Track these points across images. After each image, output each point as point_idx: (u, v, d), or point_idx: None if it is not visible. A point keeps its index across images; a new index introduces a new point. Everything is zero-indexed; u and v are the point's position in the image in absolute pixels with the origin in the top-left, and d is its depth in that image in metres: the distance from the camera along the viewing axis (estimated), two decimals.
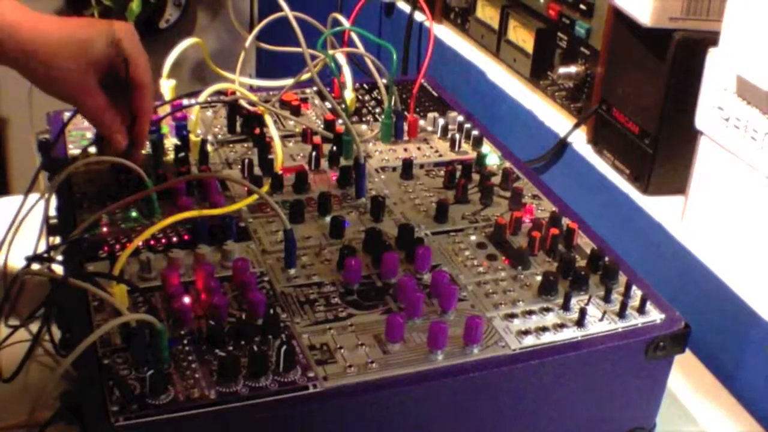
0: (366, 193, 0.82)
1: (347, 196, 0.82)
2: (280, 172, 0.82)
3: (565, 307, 0.69)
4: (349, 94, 0.95)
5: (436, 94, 1.04)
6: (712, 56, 0.81)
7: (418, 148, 0.92)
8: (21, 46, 0.72)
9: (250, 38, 1.00)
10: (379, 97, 1.00)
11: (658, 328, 0.69)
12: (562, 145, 1.04)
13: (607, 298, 0.70)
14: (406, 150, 0.92)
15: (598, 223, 0.80)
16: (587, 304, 0.70)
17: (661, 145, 0.92)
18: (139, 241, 0.65)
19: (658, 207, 0.92)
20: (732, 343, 0.81)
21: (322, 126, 0.93)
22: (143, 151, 0.80)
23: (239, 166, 0.84)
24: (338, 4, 1.41)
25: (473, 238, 0.78)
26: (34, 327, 0.64)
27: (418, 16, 1.23)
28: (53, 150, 0.84)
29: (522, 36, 1.16)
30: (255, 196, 0.74)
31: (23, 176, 1.35)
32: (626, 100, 0.96)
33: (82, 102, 0.76)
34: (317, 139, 0.89)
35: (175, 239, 0.72)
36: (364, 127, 0.95)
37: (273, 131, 0.87)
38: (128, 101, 0.78)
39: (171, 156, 0.85)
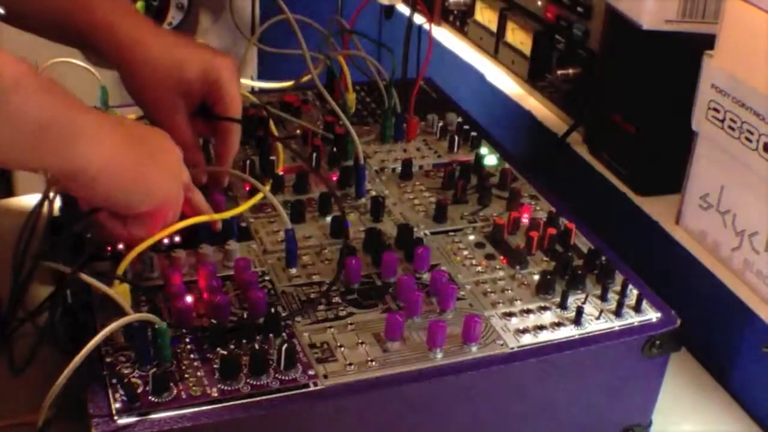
0: (366, 194, 0.83)
1: (347, 197, 0.83)
2: (281, 173, 0.83)
3: (563, 305, 0.70)
4: (349, 96, 0.96)
5: (435, 96, 1.05)
6: (708, 58, 0.81)
7: (418, 149, 0.93)
8: (122, 58, 0.72)
9: (252, 40, 1.01)
10: (379, 99, 1.01)
11: (655, 326, 0.69)
12: (560, 146, 1.05)
13: (603, 297, 0.71)
14: (405, 151, 0.92)
15: (595, 223, 0.81)
16: (584, 302, 0.70)
17: (657, 146, 0.92)
18: (145, 246, 0.66)
19: (655, 207, 0.92)
20: (728, 342, 0.82)
21: (322, 127, 0.94)
22: None
23: (241, 167, 0.85)
24: (339, 7, 1.42)
25: (472, 237, 0.78)
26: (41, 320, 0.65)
27: (418, 19, 1.23)
28: None
29: (520, 38, 1.17)
30: (260, 196, 0.75)
31: (28, 177, 1.36)
32: (623, 102, 0.97)
33: (168, 131, 0.71)
34: (318, 140, 0.90)
35: (177, 239, 0.73)
36: (364, 128, 0.96)
37: (274, 132, 0.87)
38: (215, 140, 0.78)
39: None
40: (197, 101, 0.76)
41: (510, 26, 1.19)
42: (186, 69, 0.73)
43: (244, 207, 0.75)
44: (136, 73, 0.72)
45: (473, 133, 0.94)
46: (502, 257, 0.76)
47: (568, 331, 0.68)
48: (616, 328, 0.69)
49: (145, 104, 0.75)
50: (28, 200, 0.75)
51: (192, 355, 0.62)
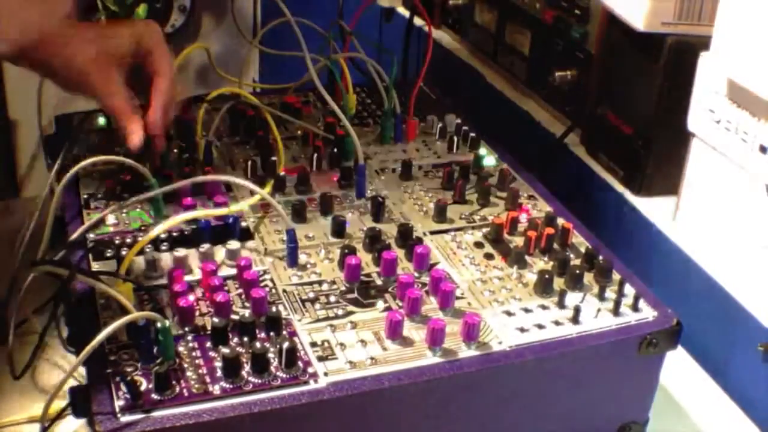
0: (366, 194, 0.84)
1: (348, 197, 0.84)
2: (283, 173, 0.84)
3: (561, 304, 0.71)
4: (349, 98, 0.97)
5: (434, 97, 1.06)
6: (704, 60, 0.82)
7: (417, 150, 0.94)
8: (45, 46, 0.74)
9: (254, 43, 1.02)
10: (379, 100, 1.02)
11: (651, 325, 0.70)
12: (558, 147, 1.06)
13: (601, 296, 0.72)
14: (405, 151, 0.93)
15: (592, 223, 0.82)
16: (582, 301, 0.71)
17: (654, 147, 0.93)
18: (145, 242, 0.67)
19: (652, 207, 0.93)
20: (723, 340, 0.82)
21: (323, 128, 0.94)
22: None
23: (242, 167, 0.86)
24: (339, 9, 1.42)
25: (471, 237, 0.79)
26: (44, 320, 0.66)
27: (418, 21, 1.24)
28: (60, 150, 0.85)
29: (519, 40, 1.17)
30: (258, 197, 0.76)
31: (32, 177, 1.36)
32: (620, 103, 0.97)
33: (102, 96, 0.77)
34: (318, 141, 0.91)
35: (180, 239, 0.74)
36: (364, 129, 0.97)
37: (275, 133, 0.88)
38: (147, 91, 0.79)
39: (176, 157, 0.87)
40: (131, 63, 0.79)
41: (509, 28, 1.20)
42: (113, 37, 0.77)
43: (243, 205, 0.76)
44: (66, 55, 0.75)
45: (472, 134, 0.94)
46: (500, 257, 0.76)
47: (566, 330, 0.68)
48: (614, 327, 0.69)
49: (87, 84, 0.77)
50: (34, 201, 0.76)
51: (194, 353, 0.63)
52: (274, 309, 0.66)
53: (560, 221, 0.80)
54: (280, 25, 0.94)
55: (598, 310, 0.71)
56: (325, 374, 0.62)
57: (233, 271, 0.71)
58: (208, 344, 0.63)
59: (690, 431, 0.79)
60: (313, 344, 0.64)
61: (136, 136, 0.77)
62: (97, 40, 0.76)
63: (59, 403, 0.61)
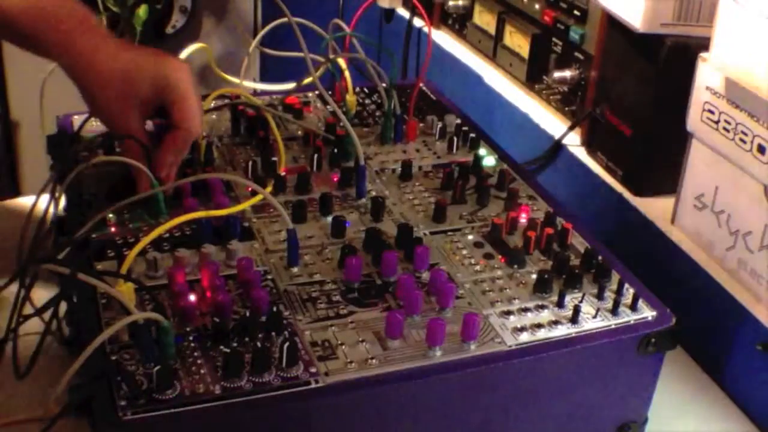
0: (366, 194, 0.84)
1: (348, 197, 0.84)
2: (283, 174, 0.84)
3: (560, 304, 0.71)
4: (350, 98, 0.97)
5: (434, 98, 1.06)
6: (703, 61, 0.83)
7: (417, 150, 0.94)
8: (76, 74, 0.76)
9: (254, 43, 1.02)
10: (379, 101, 1.02)
11: (650, 324, 0.70)
12: (557, 147, 1.06)
13: (600, 296, 0.72)
14: (405, 152, 0.93)
15: (591, 223, 0.82)
16: (581, 301, 0.71)
17: (653, 147, 0.93)
18: (146, 242, 0.67)
19: (651, 207, 0.93)
20: (722, 340, 0.83)
21: (323, 129, 0.95)
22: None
23: (243, 168, 0.86)
24: (339, 10, 1.43)
25: (470, 237, 0.79)
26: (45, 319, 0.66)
27: (417, 22, 1.25)
28: (63, 151, 0.85)
29: (518, 41, 1.18)
30: (259, 197, 0.76)
31: (34, 178, 1.37)
32: (619, 103, 0.98)
33: (119, 137, 0.78)
34: (319, 141, 0.91)
35: (180, 239, 0.74)
36: (364, 129, 0.97)
37: (276, 134, 0.88)
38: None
39: None
40: (154, 107, 0.78)
41: (508, 29, 1.20)
42: (135, 82, 0.76)
43: (244, 205, 0.76)
44: (89, 89, 0.76)
45: (472, 135, 0.95)
46: (500, 257, 0.77)
47: (565, 330, 0.68)
48: (612, 327, 0.69)
49: (101, 116, 0.79)
50: (33, 201, 0.76)
51: (195, 353, 0.63)
52: (274, 309, 0.66)
53: (559, 221, 0.80)
54: (280, 25, 0.94)
55: (597, 310, 0.71)
56: (326, 374, 0.62)
57: (233, 271, 0.71)
58: (209, 344, 0.63)
59: (689, 431, 0.79)
60: (314, 344, 0.65)
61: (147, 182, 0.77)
62: (120, 80, 0.75)
63: (59, 403, 0.61)
